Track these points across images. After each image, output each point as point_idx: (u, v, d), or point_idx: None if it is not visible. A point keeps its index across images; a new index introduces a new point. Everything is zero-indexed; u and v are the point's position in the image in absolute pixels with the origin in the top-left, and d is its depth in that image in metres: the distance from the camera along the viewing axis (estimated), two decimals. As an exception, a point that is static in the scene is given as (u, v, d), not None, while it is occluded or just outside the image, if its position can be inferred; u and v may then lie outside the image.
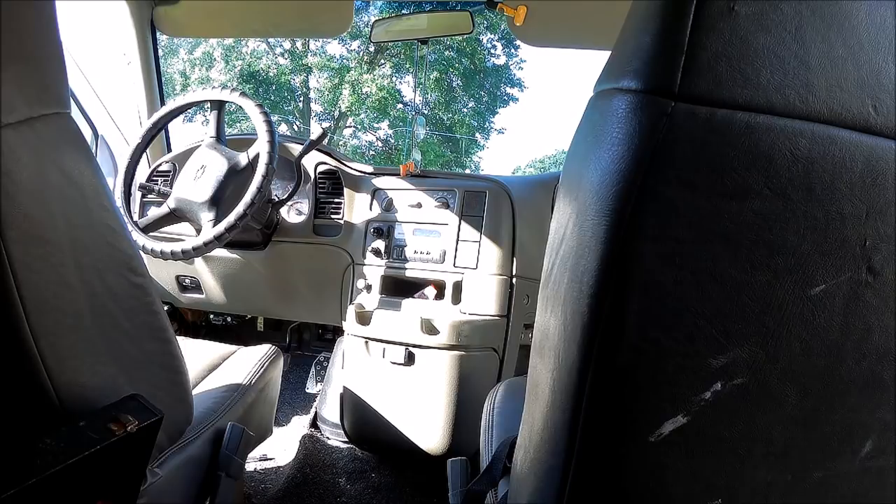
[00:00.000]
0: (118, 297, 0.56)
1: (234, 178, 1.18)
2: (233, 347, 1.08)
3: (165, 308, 0.74)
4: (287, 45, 9.99)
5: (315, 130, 1.27)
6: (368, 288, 1.31)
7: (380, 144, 10.62)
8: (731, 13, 0.29)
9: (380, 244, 1.29)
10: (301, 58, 10.04)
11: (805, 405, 0.35)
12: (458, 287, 1.25)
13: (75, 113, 0.91)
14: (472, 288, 1.23)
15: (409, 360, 1.19)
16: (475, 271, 1.23)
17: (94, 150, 1.59)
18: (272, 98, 10.08)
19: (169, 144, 1.59)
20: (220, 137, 1.25)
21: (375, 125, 10.51)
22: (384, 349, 1.21)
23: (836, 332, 0.34)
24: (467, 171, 10.29)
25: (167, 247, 1.13)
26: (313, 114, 10.62)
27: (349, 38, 9.82)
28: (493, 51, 10.29)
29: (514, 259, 1.24)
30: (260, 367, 1.00)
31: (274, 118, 1.17)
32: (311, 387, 1.73)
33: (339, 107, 10.14)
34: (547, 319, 0.39)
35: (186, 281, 1.53)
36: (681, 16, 0.30)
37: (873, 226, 0.32)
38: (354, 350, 1.26)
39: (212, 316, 1.84)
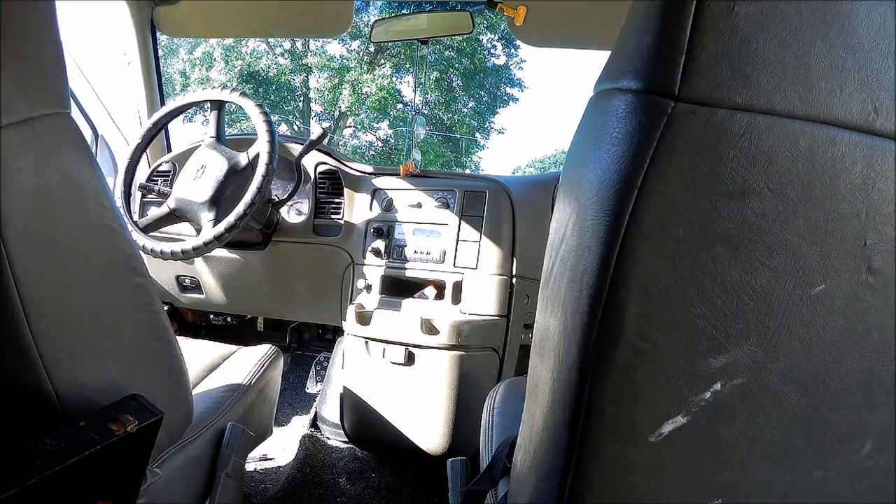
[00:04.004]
0: (118, 297, 0.56)
1: (234, 178, 1.18)
2: (233, 347, 1.08)
3: (165, 308, 0.74)
4: (287, 45, 9.99)
5: (315, 130, 1.26)
6: (368, 288, 1.31)
7: (380, 144, 10.62)
8: (731, 13, 0.29)
9: (380, 244, 1.29)
10: (301, 58, 10.04)
11: (805, 405, 0.35)
12: (458, 287, 1.25)
13: (75, 113, 0.91)
14: (472, 288, 1.23)
15: (409, 360, 1.19)
16: (475, 271, 1.23)
17: (94, 150, 1.59)
18: (272, 98, 10.08)
19: (169, 144, 1.59)
20: (220, 137, 1.25)
21: (375, 125, 10.53)
22: (384, 349, 1.21)
23: (836, 332, 0.34)
24: (467, 171, 10.30)
25: (167, 247, 1.13)
26: (313, 114, 10.63)
27: (349, 38, 9.83)
28: (493, 51, 10.31)
29: (514, 259, 1.24)
30: (260, 367, 1.00)
31: (274, 118, 1.17)
32: (311, 387, 1.73)
33: (339, 107, 10.15)
34: (547, 319, 0.39)
35: (186, 281, 1.53)
36: (681, 16, 0.30)
37: (873, 226, 0.32)
38: (354, 350, 1.26)
39: (212, 316, 1.84)
